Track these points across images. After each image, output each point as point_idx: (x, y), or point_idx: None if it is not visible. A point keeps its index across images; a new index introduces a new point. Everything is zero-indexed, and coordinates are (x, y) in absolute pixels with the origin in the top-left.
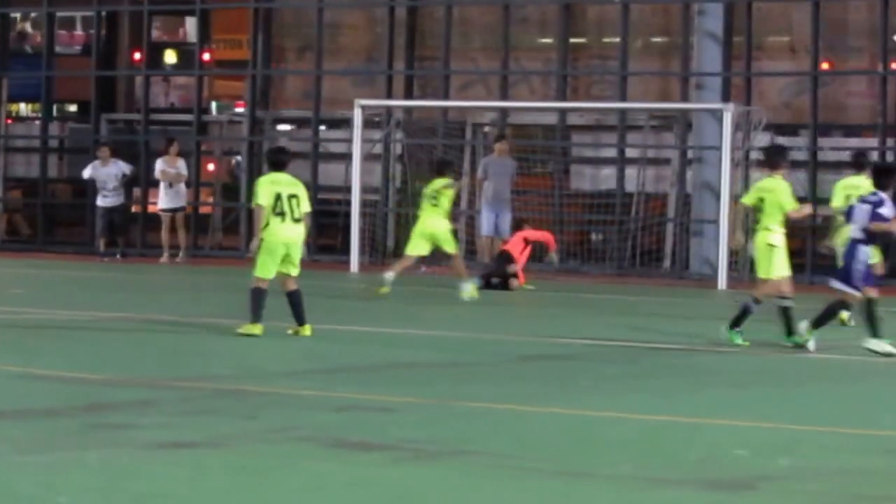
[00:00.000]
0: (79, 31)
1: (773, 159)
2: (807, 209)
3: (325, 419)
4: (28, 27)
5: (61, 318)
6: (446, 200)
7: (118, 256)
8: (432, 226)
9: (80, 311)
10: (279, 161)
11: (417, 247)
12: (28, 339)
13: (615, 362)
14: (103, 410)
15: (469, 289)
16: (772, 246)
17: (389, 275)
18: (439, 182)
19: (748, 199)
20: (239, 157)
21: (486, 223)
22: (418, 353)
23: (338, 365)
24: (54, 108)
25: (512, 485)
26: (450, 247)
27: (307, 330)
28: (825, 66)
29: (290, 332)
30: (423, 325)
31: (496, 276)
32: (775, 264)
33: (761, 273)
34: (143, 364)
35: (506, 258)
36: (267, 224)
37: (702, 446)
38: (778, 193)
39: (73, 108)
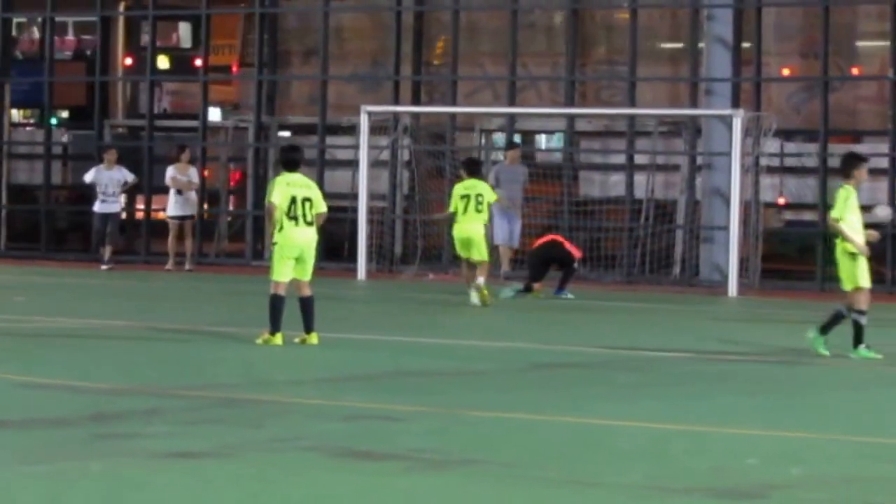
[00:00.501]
0: (70, 37)
1: (843, 168)
2: (859, 239)
3: (332, 428)
4: (26, 32)
5: (65, 326)
6: (488, 207)
7: (106, 266)
8: (470, 230)
9: (85, 319)
10: (292, 160)
11: (460, 250)
12: (32, 348)
13: (625, 370)
14: (108, 420)
15: (475, 294)
16: (852, 255)
17: (480, 280)
18: (483, 186)
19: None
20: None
21: (499, 231)
22: (426, 362)
23: (345, 373)
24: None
25: (520, 494)
26: (481, 255)
27: (314, 338)
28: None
29: (296, 340)
30: (431, 333)
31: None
32: (860, 273)
33: (848, 285)
34: (148, 373)
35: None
36: (280, 227)
37: (712, 455)
38: (835, 201)
39: (65, 114)
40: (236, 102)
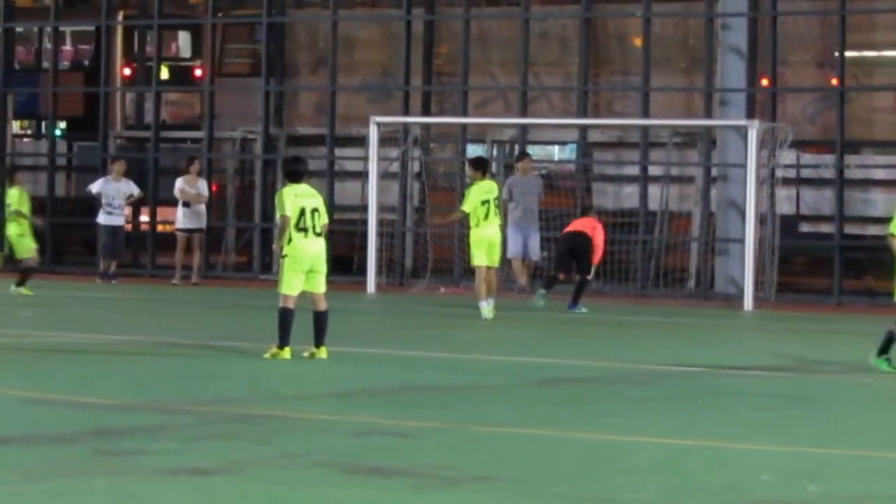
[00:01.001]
0: (67, 47)
1: None
2: None
3: (342, 444)
4: (33, 42)
5: (71, 341)
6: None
7: (109, 280)
8: (495, 234)
9: (90, 333)
10: (297, 172)
11: (481, 257)
12: (37, 363)
13: (638, 385)
14: (113, 436)
15: (486, 308)
16: None
17: (484, 304)
18: (497, 188)
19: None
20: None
21: (512, 245)
22: (437, 376)
23: (355, 388)
24: (43, 125)
25: None
26: (497, 260)
27: (323, 352)
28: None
29: (305, 354)
30: (442, 347)
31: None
32: None
33: None
34: (154, 388)
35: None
36: (290, 239)
37: (727, 471)
38: (893, 215)
39: (62, 124)
40: (213, 114)
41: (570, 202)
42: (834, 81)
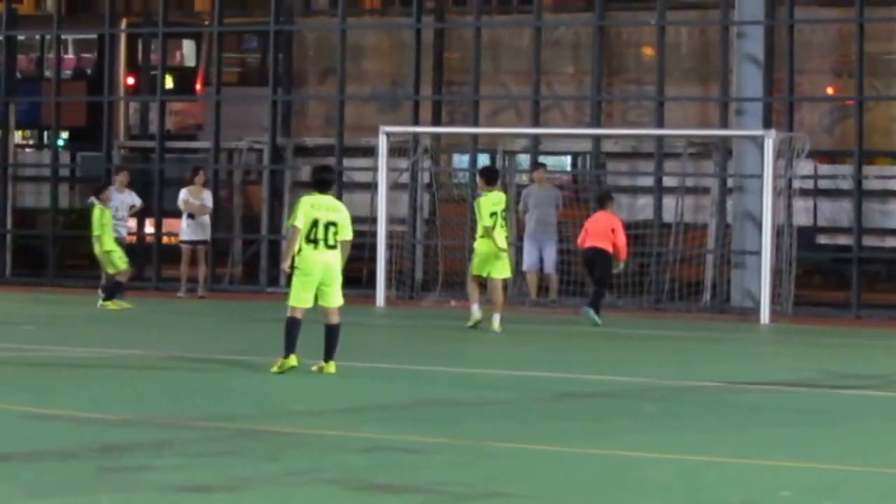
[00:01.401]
0: (70, 55)
1: None
2: None
3: (351, 461)
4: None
5: (74, 355)
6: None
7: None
8: (503, 245)
9: (94, 347)
10: (323, 181)
11: (482, 267)
12: (40, 378)
13: (652, 400)
14: (117, 452)
15: (479, 312)
16: None
17: (475, 308)
18: (503, 199)
19: None
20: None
21: (528, 257)
22: (447, 391)
23: (363, 403)
24: (46, 134)
25: None
26: (507, 271)
27: (332, 367)
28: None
29: (314, 368)
30: (452, 362)
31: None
32: None
33: None
34: (159, 403)
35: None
36: (300, 250)
37: (743, 487)
38: None
39: (63, 134)
40: (199, 123)
41: (583, 214)
42: (831, 90)
